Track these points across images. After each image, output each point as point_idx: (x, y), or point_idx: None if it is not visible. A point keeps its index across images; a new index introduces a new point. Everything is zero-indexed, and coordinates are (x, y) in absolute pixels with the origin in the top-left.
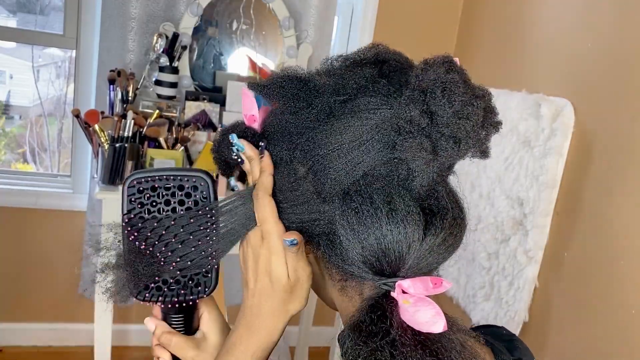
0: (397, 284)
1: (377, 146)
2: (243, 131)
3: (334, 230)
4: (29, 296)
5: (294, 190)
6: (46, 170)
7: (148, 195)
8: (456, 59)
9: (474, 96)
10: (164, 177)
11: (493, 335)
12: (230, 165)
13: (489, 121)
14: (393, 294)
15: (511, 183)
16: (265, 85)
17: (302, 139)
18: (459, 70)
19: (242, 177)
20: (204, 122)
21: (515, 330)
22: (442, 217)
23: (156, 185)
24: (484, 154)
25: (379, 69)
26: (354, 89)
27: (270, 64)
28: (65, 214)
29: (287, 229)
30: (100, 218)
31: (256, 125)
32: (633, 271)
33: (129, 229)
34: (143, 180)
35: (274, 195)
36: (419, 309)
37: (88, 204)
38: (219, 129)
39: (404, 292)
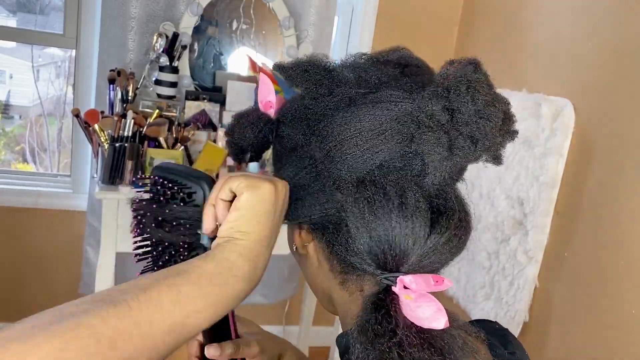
0: (398, 278)
1: (395, 137)
2: (257, 117)
3: (343, 218)
4: (29, 296)
5: (308, 176)
6: (46, 170)
7: (157, 188)
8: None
9: (496, 99)
10: (173, 179)
11: (486, 329)
12: (242, 150)
13: (506, 128)
14: (394, 289)
15: (511, 183)
16: (289, 68)
17: (320, 124)
18: (484, 72)
19: (255, 160)
20: (204, 122)
21: (516, 330)
22: (449, 217)
23: (165, 183)
24: (497, 159)
25: (401, 70)
26: (376, 84)
27: (270, 64)
28: (65, 214)
29: (298, 216)
30: (100, 218)
31: (272, 112)
32: (633, 271)
33: (135, 212)
34: (157, 177)
35: (288, 180)
36: (420, 305)
37: (88, 203)
38: (233, 115)
39: (405, 287)
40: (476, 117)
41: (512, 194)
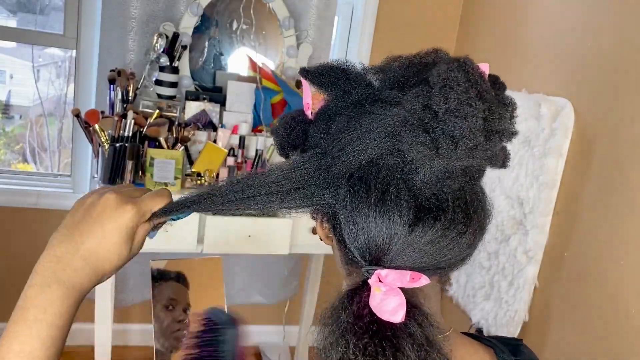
0: (376, 272)
1: (382, 134)
2: (292, 117)
3: (337, 211)
4: None
5: (317, 169)
6: (46, 170)
7: None
8: (484, 65)
9: (476, 98)
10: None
11: (499, 340)
12: (281, 147)
13: (492, 127)
14: (369, 281)
15: (511, 183)
16: (308, 71)
17: (333, 123)
18: (468, 70)
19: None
20: (204, 122)
21: (515, 330)
22: (435, 217)
23: None
24: (492, 160)
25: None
26: (389, 84)
27: (270, 64)
28: (65, 214)
29: (310, 206)
30: None
31: (309, 113)
32: (633, 271)
33: None
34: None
35: (305, 177)
36: (387, 298)
37: None
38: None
39: (381, 281)
40: (451, 116)
41: (512, 194)
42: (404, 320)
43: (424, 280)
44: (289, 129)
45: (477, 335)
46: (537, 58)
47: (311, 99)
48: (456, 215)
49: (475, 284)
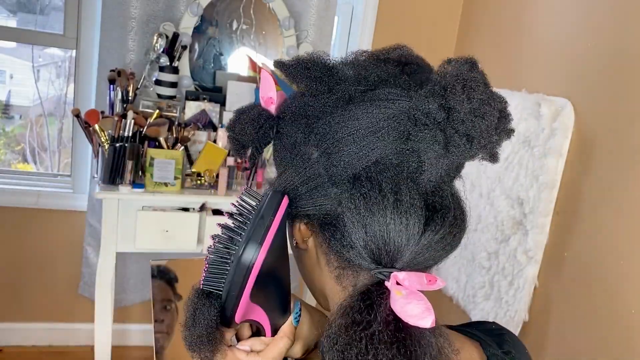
0: (392, 274)
1: (392, 134)
2: (258, 114)
3: (339, 213)
4: (29, 296)
5: (306, 172)
6: (46, 170)
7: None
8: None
9: (492, 98)
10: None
11: (483, 331)
12: (243, 146)
13: (502, 126)
14: (387, 284)
15: (511, 183)
16: (290, 65)
17: (319, 122)
18: (480, 70)
19: (254, 158)
20: (204, 122)
21: (515, 330)
22: (444, 215)
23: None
24: (493, 157)
25: (401, 68)
26: (375, 81)
27: (270, 64)
28: (65, 214)
29: (297, 211)
30: (100, 218)
31: (273, 108)
32: (633, 271)
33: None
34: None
35: (286, 179)
36: (410, 302)
37: (88, 203)
38: (234, 110)
39: (398, 284)
40: (472, 116)
41: (512, 194)
42: (434, 324)
43: (440, 282)
44: (257, 126)
45: (461, 328)
46: (537, 58)
47: (276, 94)
48: (456, 212)
49: (475, 284)
